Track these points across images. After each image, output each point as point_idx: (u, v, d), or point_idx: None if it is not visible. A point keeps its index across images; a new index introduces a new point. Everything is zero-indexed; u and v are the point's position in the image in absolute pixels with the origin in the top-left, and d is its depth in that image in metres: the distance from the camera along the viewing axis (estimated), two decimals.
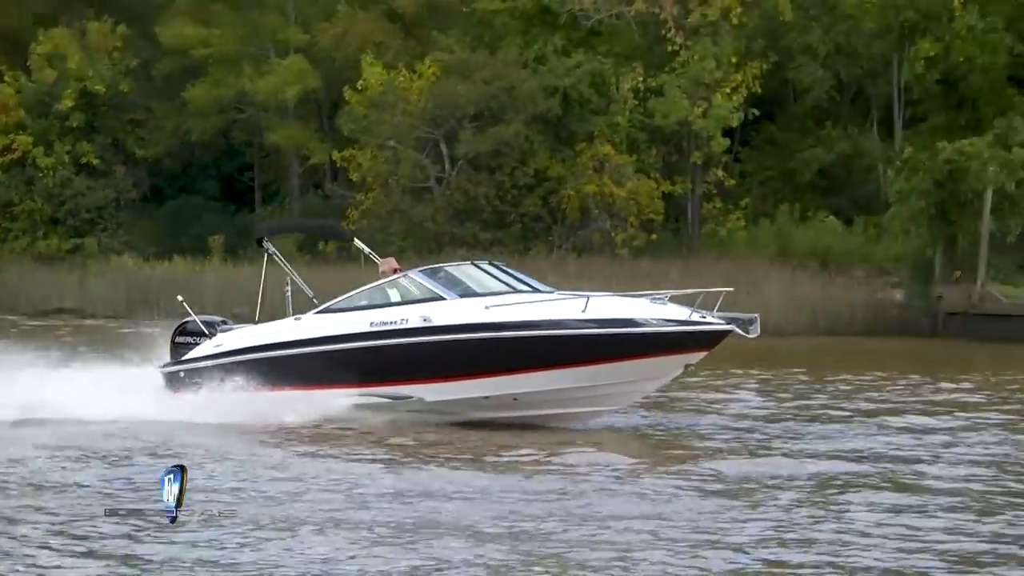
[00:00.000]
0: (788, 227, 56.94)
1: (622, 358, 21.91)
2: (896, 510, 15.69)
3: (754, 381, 30.68)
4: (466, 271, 23.59)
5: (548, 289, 23.58)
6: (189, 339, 24.03)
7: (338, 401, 22.69)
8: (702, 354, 22.21)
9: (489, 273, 23.46)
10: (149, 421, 22.16)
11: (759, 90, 59.79)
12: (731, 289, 23.47)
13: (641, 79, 59.46)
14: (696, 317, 21.75)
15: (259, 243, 25.67)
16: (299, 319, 23.52)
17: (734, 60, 58.89)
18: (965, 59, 58.17)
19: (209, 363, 23.53)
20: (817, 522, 15.02)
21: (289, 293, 24.35)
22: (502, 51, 60.30)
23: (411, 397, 22.69)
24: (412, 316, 22.50)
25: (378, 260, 24.66)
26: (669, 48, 59.12)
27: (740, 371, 31.45)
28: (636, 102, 59.52)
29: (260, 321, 24.51)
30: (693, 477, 18.14)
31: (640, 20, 60.45)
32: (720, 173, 60.14)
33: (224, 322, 24.52)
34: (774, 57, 60.74)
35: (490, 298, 22.47)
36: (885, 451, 20.71)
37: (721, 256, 54.25)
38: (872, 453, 20.45)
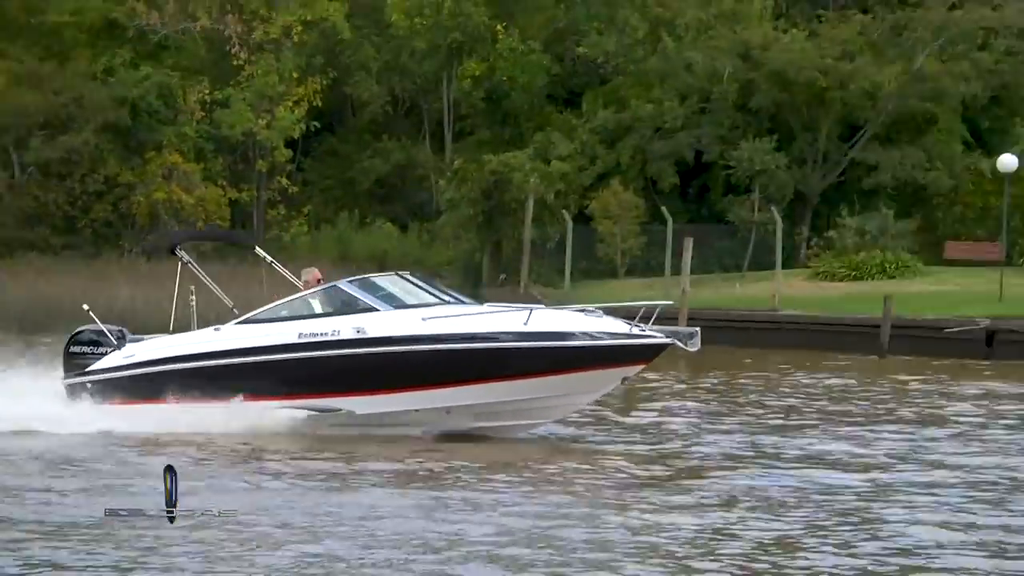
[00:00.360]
0: (348, 233, 58.94)
1: (563, 371, 21.29)
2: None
3: None
4: (393, 282, 22.70)
5: (472, 301, 23.26)
6: (86, 349, 22.34)
7: (264, 414, 21.35)
8: (640, 367, 21.92)
9: (416, 284, 22.75)
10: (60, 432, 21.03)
11: (320, 104, 62.04)
12: (671, 302, 24.56)
13: (208, 92, 60.85)
14: (635, 330, 21.24)
15: (172, 251, 24.06)
16: (219, 329, 22.05)
17: (296, 75, 60.94)
18: (507, 78, 61.67)
19: (121, 374, 22.04)
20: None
21: (194, 303, 23.01)
22: (72, 62, 60.63)
23: (340, 410, 21.57)
24: (344, 327, 21.42)
25: (284, 271, 23.86)
26: (234, 63, 60.74)
27: None
28: (203, 113, 60.90)
29: (173, 331, 22.90)
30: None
31: (206, 36, 61.86)
32: (284, 181, 61.98)
33: (121, 332, 22.70)
34: (333, 73, 63.00)
35: (424, 310, 21.64)
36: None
37: (285, 260, 55.66)
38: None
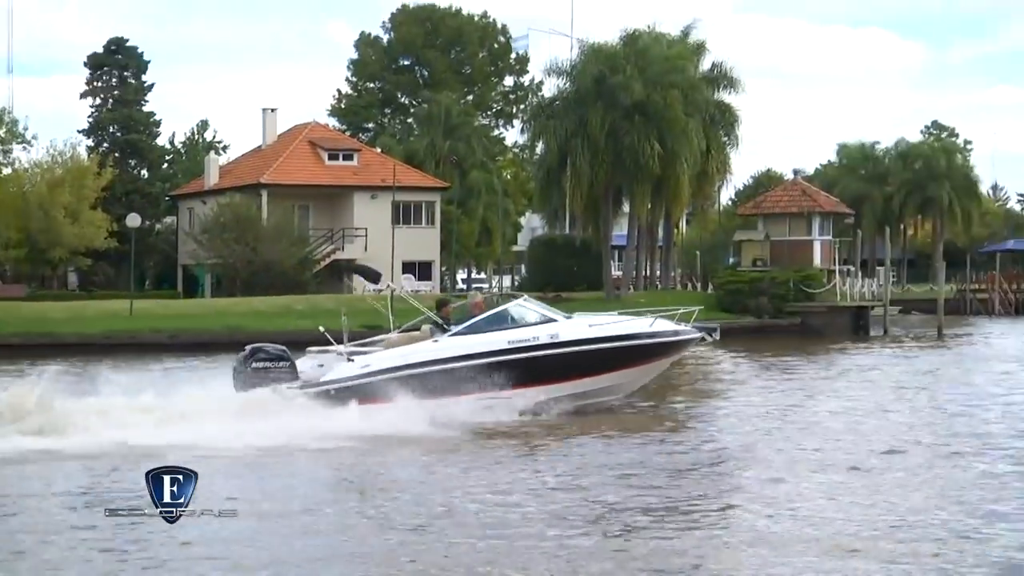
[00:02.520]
0: None
1: (663, 357, 23.90)
2: None
3: None
4: (533, 299, 24.62)
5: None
6: (269, 364, 21.55)
7: (492, 403, 22.00)
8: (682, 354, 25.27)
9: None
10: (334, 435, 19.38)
11: None
12: (702, 307, 25.85)
13: None
14: (685, 327, 23.84)
15: (376, 280, 25.24)
16: (437, 340, 22.41)
17: None
18: None
19: (365, 380, 21.65)
20: None
21: (346, 321, 22.36)
22: None
23: (521, 397, 22.37)
24: (542, 334, 22.67)
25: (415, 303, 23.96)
26: None
27: None
28: None
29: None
30: None
31: None
32: None
33: (282, 351, 21.94)
34: None
35: (586, 317, 24.19)
36: None
37: None
38: None
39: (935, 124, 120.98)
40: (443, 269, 71.44)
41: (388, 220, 60.01)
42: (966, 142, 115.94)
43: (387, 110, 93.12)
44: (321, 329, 22.45)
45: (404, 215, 66.58)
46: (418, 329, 23.11)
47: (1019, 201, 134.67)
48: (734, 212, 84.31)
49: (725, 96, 66.81)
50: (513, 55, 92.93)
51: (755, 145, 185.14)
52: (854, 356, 40.52)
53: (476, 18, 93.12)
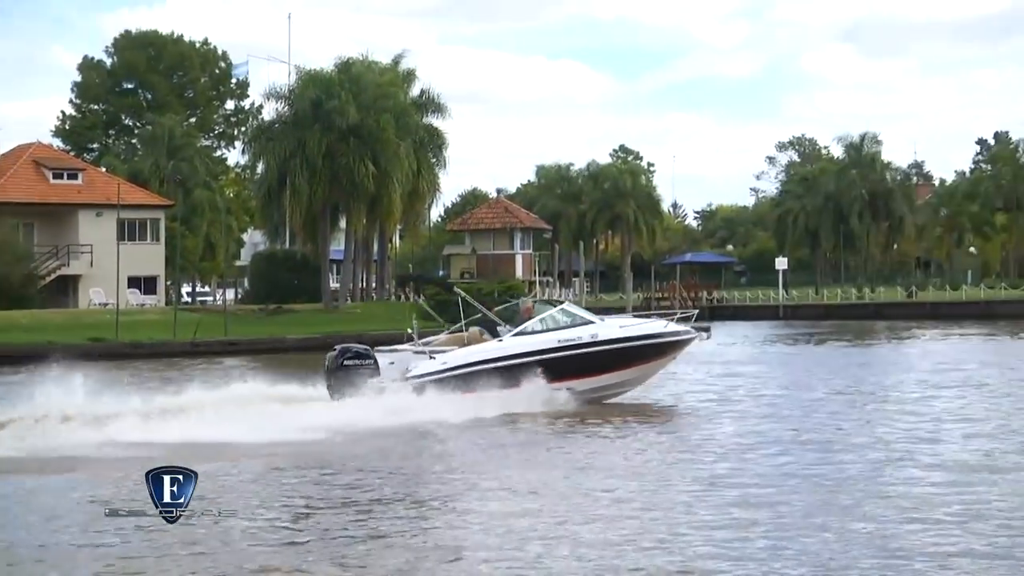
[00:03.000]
0: None
1: (674, 353, 25.67)
2: None
3: None
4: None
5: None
6: (357, 361, 23.07)
7: (550, 394, 23.47)
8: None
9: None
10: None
11: None
12: (696, 311, 27.72)
13: None
14: (684, 327, 25.79)
15: (449, 289, 25.47)
16: (502, 340, 23.94)
17: None
18: None
19: (446, 374, 23.17)
20: None
21: (416, 325, 24.72)
22: None
23: (567, 389, 23.83)
24: (584, 334, 24.42)
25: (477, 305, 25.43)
26: None
27: None
28: None
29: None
30: None
31: None
32: None
33: (367, 350, 23.62)
34: None
35: (616, 319, 26.69)
36: None
37: None
38: None
39: (622, 148, 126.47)
40: (168, 283, 70.55)
41: (113, 237, 58.90)
42: (649, 164, 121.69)
43: (111, 131, 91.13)
44: (408, 331, 24.88)
45: (129, 232, 65.38)
46: (464, 331, 24.60)
47: (695, 218, 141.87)
48: (443, 228, 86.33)
49: (433, 120, 68.63)
50: (234, 80, 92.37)
51: (462, 166, 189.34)
52: None
53: (198, 45, 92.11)
